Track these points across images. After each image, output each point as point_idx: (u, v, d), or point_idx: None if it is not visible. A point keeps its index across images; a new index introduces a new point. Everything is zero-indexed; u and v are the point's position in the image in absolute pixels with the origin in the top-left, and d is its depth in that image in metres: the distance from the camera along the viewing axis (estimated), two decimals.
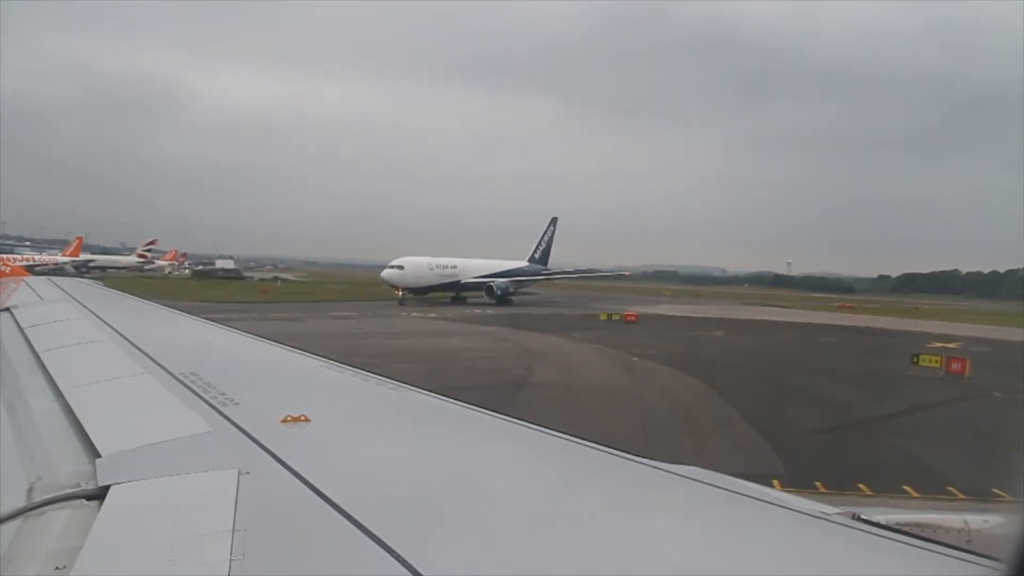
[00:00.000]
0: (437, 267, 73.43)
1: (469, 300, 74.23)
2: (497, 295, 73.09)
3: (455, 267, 75.55)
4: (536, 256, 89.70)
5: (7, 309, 8.54)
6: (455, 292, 75.51)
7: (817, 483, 14.01)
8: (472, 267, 78.04)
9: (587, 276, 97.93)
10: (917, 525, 2.40)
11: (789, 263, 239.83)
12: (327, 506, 2.12)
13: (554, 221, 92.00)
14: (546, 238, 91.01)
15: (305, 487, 2.29)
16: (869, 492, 13.84)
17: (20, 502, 2.34)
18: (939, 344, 43.53)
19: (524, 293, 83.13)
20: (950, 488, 14.49)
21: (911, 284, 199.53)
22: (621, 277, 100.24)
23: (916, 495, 13.89)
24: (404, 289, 68.51)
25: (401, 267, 70.05)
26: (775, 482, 12.93)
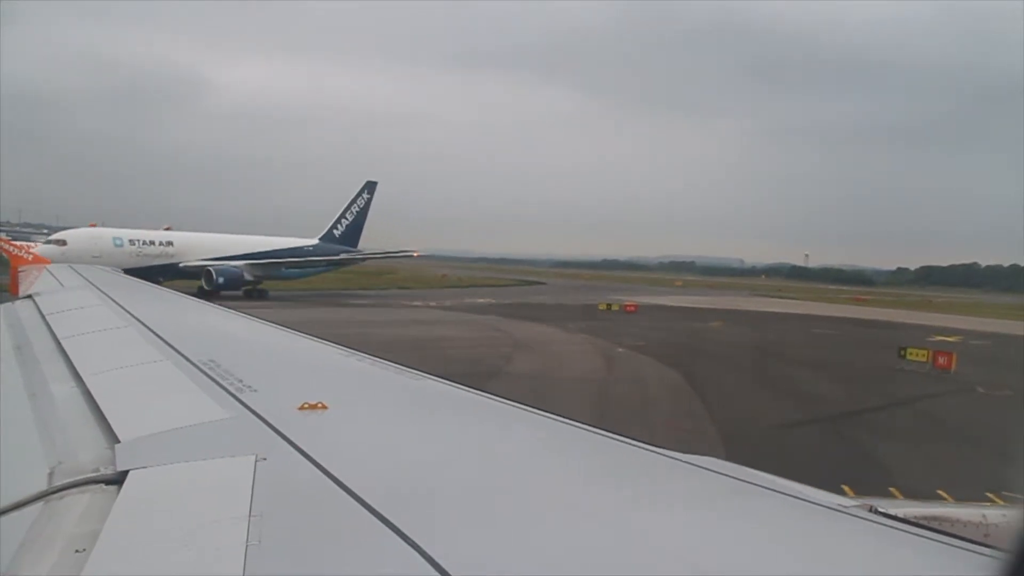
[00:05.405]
0: (132, 243, 49.66)
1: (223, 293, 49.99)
2: (218, 283, 49.53)
3: (170, 243, 52.07)
4: (337, 233, 64.52)
5: (30, 296, 8.67)
6: (187, 279, 50.92)
7: None
8: (203, 244, 54.10)
9: (374, 256, 73.86)
10: (934, 518, 2.38)
11: (807, 255, 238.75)
12: (344, 493, 2.12)
13: (370, 187, 66.41)
14: (354, 210, 65.72)
15: (322, 474, 2.30)
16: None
17: (41, 486, 2.38)
18: (939, 338, 42.62)
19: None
20: (891, 488, 13.66)
21: (929, 277, 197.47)
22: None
23: (851, 494, 13.33)
24: None
25: (62, 242, 44.62)
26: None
